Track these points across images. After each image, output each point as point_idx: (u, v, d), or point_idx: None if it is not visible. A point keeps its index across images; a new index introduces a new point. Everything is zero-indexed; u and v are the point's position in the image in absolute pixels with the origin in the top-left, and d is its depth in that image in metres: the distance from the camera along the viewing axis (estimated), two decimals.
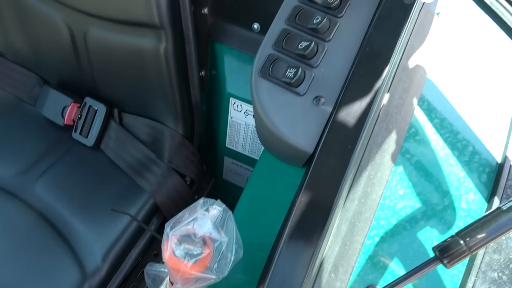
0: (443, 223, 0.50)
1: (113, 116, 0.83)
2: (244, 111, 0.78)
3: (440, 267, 0.40)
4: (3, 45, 0.86)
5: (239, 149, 0.86)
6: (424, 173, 0.52)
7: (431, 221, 0.50)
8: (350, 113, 0.43)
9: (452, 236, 0.36)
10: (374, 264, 0.50)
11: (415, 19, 0.48)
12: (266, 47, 0.46)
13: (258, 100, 0.44)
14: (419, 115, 0.55)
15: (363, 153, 0.47)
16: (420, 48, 0.53)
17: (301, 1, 0.47)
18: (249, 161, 0.87)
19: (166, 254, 0.47)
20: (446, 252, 0.35)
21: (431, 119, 0.55)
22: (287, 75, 0.44)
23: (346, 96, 0.43)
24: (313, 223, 0.41)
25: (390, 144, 0.51)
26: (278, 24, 0.47)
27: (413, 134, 0.54)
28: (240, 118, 0.80)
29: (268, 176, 0.62)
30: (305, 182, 0.41)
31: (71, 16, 0.73)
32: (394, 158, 0.51)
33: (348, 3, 0.47)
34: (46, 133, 0.84)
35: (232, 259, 0.48)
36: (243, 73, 0.77)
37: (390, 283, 0.39)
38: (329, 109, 0.43)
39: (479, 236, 0.34)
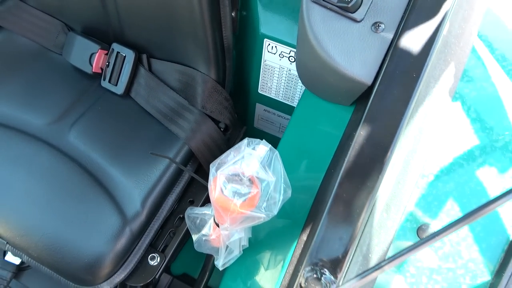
0: (503, 161, 0.48)
1: (142, 62, 0.80)
2: (279, 53, 0.74)
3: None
4: None
5: (272, 95, 0.83)
6: (483, 109, 0.49)
7: (489, 158, 0.47)
8: (414, 40, 0.39)
9: None
10: (428, 203, 0.48)
11: None
12: None
13: (310, 27, 0.41)
14: (479, 47, 0.51)
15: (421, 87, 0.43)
16: None
17: None
18: (283, 108, 0.84)
19: (214, 193, 0.46)
20: None
21: (492, 51, 0.50)
22: None
23: (409, 22, 0.39)
24: (373, 159, 0.39)
25: (448, 77, 0.47)
26: None
27: (472, 67, 0.50)
28: (274, 60, 0.76)
29: (309, 119, 0.59)
30: (364, 115, 0.39)
31: None
32: (451, 93, 0.48)
33: None
34: (75, 81, 0.83)
35: (281, 198, 0.47)
36: (278, 12, 0.72)
37: (450, 223, 0.38)
38: (389, 36, 0.40)
39: None
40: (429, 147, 0.47)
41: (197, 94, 0.75)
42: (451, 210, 0.48)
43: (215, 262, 0.56)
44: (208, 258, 0.75)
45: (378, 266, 0.30)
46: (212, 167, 0.47)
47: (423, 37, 0.39)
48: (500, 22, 0.53)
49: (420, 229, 0.47)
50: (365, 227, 0.41)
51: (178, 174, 0.73)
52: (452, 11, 0.46)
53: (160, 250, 0.72)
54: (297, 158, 0.60)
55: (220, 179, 0.46)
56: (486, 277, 0.44)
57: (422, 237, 0.46)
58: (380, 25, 0.40)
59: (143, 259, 0.70)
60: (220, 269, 0.56)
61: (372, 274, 0.30)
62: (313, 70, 0.46)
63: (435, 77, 0.46)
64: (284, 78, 0.78)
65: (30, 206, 0.69)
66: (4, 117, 0.76)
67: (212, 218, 0.54)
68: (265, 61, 0.77)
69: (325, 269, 0.37)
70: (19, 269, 0.88)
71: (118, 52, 0.79)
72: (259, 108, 0.88)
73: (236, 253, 0.54)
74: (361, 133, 0.38)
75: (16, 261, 0.88)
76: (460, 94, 0.49)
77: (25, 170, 0.71)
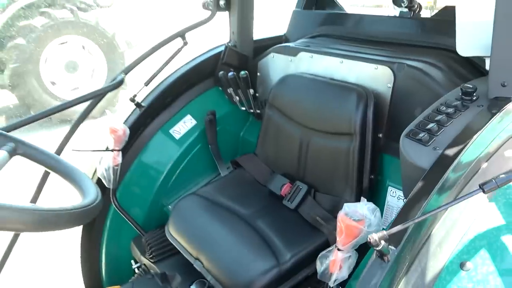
0: None
1: (310, 193, 1.33)
2: (397, 196, 1.17)
3: None
4: (260, 149, 1.54)
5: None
6: None
7: None
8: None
9: None
10: None
11: None
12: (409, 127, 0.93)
13: (404, 149, 0.88)
14: None
15: None
16: None
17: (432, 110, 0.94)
18: None
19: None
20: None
21: None
22: (420, 136, 0.88)
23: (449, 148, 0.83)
24: None
25: None
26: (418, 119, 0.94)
27: None
28: (394, 202, 1.18)
29: None
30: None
31: (303, 131, 1.35)
32: None
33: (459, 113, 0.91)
34: (268, 198, 1.39)
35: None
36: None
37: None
38: (439, 152, 0.83)
39: None
40: None
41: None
42: None
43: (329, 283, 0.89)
44: None
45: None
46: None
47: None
48: None
49: None
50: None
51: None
52: None
53: None
54: None
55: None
56: None
57: None
58: (436, 148, 0.84)
59: None
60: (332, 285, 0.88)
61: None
62: (410, 172, 0.89)
63: None
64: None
65: (224, 248, 1.17)
66: (229, 206, 1.34)
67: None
68: (388, 202, 1.20)
69: None
70: None
71: (297, 186, 1.35)
72: None
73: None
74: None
75: None
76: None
77: (229, 228, 1.23)
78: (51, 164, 0.95)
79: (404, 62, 1.18)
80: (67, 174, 0.94)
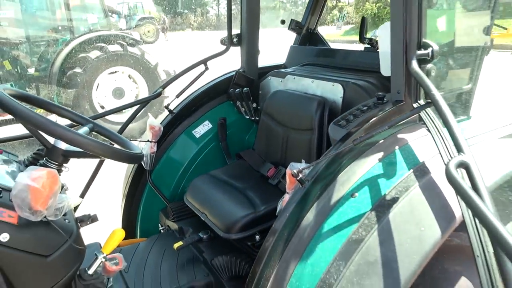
0: None
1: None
2: None
3: None
4: (256, 145, 2.08)
5: None
6: None
7: None
8: None
9: None
10: None
11: None
12: None
13: (330, 130, 1.40)
14: None
15: None
16: None
17: None
18: None
19: None
20: None
21: None
22: (340, 123, 1.40)
23: (353, 128, 1.34)
24: None
25: None
26: None
27: None
28: None
29: None
30: None
31: (284, 129, 1.88)
32: None
33: None
34: (258, 178, 1.92)
35: None
36: None
37: None
38: (346, 131, 1.35)
39: None
40: None
41: None
42: None
43: None
44: None
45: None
46: None
47: None
48: None
49: None
50: None
51: None
52: None
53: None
54: None
55: None
56: None
57: None
58: (347, 129, 1.35)
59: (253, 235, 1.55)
60: None
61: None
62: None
63: None
64: None
65: (220, 204, 1.70)
66: (229, 182, 1.88)
67: None
68: None
69: None
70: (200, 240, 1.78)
71: (280, 169, 1.87)
72: None
73: None
74: None
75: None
76: None
77: (226, 194, 1.76)
78: (114, 139, 1.54)
79: (350, 81, 1.71)
80: (125, 145, 1.52)
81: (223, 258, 1.58)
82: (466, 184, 0.80)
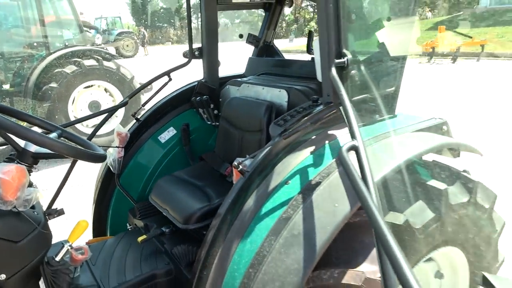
0: None
1: None
2: None
3: None
4: (217, 147, 2.28)
5: None
6: None
7: None
8: None
9: None
10: None
11: None
12: None
13: (270, 129, 1.62)
14: None
15: None
16: None
17: None
18: None
19: None
20: None
21: None
22: (279, 122, 1.61)
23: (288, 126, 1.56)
24: None
25: None
26: None
27: None
28: None
29: None
30: None
31: (239, 132, 2.09)
32: None
33: None
34: (217, 177, 2.11)
35: None
36: None
37: None
38: (282, 128, 1.56)
39: None
40: None
41: None
42: None
43: None
44: None
45: None
46: None
47: None
48: None
49: None
50: None
51: None
52: None
53: None
54: None
55: None
56: None
57: None
58: (282, 127, 1.56)
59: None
60: None
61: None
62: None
63: None
64: None
65: (180, 200, 1.88)
66: (190, 181, 2.06)
67: None
68: None
69: None
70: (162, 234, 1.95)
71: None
72: None
73: None
74: None
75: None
76: None
77: (186, 192, 1.94)
78: (80, 142, 1.71)
79: (294, 87, 1.94)
80: (89, 146, 1.69)
81: (182, 247, 1.76)
82: (352, 165, 1.02)
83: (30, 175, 1.42)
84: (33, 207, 1.37)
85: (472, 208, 1.66)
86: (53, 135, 1.54)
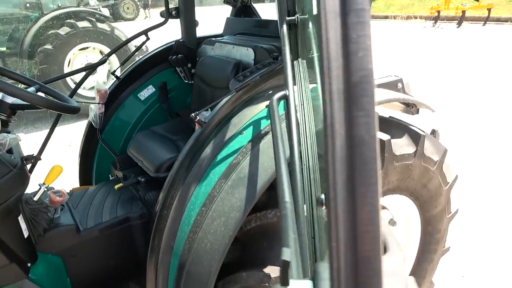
0: None
1: None
2: None
3: None
4: (192, 103, 2.40)
5: None
6: None
7: None
8: None
9: None
10: None
11: None
12: None
13: (229, 84, 1.73)
14: None
15: None
16: None
17: None
18: None
19: None
20: None
21: None
22: (238, 78, 1.72)
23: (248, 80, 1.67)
24: None
25: None
26: None
27: None
28: None
29: None
30: None
31: (210, 88, 2.20)
32: None
33: None
34: (189, 130, 2.25)
35: None
36: None
37: None
38: (242, 82, 1.68)
39: None
40: None
41: None
42: None
43: None
44: None
45: None
46: None
47: None
48: None
49: None
50: None
51: None
52: None
53: None
54: None
55: None
56: None
57: None
58: (241, 81, 1.68)
59: None
60: None
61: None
62: None
63: None
64: None
65: (154, 151, 2.03)
66: (165, 135, 2.21)
67: None
68: None
69: None
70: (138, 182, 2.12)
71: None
72: None
73: None
74: None
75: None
76: None
77: (159, 143, 2.09)
78: (56, 96, 1.84)
79: (260, 45, 2.03)
80: (64, 100, 1.83)
81: (154, 194, 1.93)
82: (277, 113, 1.14)
83: (8, 125, 1.57)
84: (11, 152, 1.52)
85: (419, 160, 1.79)
86: (31, 89, 1.67)
